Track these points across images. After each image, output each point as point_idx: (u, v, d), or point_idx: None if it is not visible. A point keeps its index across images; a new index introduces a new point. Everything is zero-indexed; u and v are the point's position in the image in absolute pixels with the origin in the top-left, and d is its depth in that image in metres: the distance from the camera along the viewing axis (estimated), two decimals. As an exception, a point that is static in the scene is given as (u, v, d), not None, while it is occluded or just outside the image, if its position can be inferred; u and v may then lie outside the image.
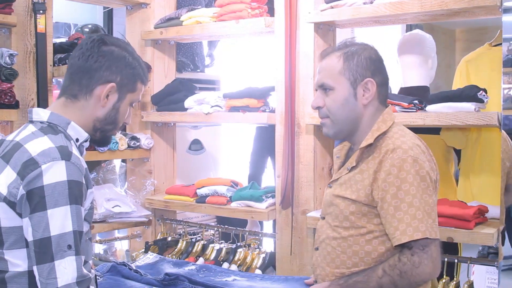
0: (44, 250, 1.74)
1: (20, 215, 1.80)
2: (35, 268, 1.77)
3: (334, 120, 2.28)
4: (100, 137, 2.07)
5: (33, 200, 1.76)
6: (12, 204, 1.80)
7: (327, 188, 2.38)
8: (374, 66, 2.26)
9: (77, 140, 1.98)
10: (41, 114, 1.96)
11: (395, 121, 2.29)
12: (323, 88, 2.28)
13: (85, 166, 1.92)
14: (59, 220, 1.75)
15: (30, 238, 1.77)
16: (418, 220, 2.04)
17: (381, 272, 2.10)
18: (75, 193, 1.79)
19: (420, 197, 2.06)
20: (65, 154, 1.81)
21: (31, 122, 1.96)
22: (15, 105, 3.26)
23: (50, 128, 1.91)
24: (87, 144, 2.05)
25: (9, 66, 3.22)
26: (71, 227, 1.77)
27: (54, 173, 1.77)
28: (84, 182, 1.86)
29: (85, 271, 1.80)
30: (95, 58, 1.97)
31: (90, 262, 2.01)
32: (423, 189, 2.07)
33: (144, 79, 2.09)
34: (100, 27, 4.77)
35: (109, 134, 2.08)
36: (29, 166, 1.78)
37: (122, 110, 2.05)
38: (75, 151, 1.87)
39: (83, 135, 2.00)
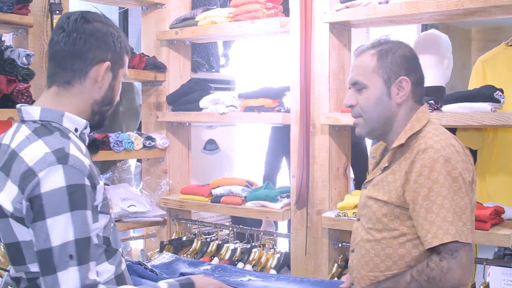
0: (46, 262, 1.67)
1: None
2: (40, 279, 1.70)
3: (367, 119, 2.21)
4: (98, 120, 1.95)
5: (33, 209, 1.68)
6: (20, 220, 1.74)
7: (362, 189, 2.32)
8: (409, 64, 2.20)
9: (76, 130, 1.87)
10: (31, 113, 1.83)
11: (431, 119, 2.22)
12: (356, 86, 2.22)
13: (89, 162, 1.79)
14: (60, 229, 1.67)
15: (34, 248, 1.71)
16: (448, 222, 1.97)
17: (409, 277, 2.04)
18: (76, 198, 1.70)
19: (451, 198, 1.99)
20: (61, 158, 1.71)
21: (23, 121, 1.84)
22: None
23: (43, 128, 1.79)
24: (88, 131, 1.94)
25: (25, 66, 3.24)
26: (73, 236, 1.68)
27: (52, 180, 1.68)
28: (87, 183, 1.75)
29: (90, 279, 1.71)
30: (83, 39, 1.84)
31: (120, 249, 1.95)
32: (455, 190, 2.00)
33: (129, 50, 1.99)
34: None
35: (107, 115, 1.98)
36: (28, 177, 1.69)
37: (116, 88, 1.95)
38: (73, 150, 1.75)
39: (81, 123, 1.88)
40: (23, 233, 1.75)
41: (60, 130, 1.81)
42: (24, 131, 1.80)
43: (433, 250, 2.02)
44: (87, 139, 1.95)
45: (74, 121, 1.87)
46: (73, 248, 1.68)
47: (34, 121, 1.82)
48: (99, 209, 1.83)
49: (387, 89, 2.17)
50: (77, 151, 1.78)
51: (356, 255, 2.26)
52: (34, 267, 1.76)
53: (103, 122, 1.99)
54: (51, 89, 1.89)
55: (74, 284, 1.67)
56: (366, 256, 2.20)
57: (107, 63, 1.88)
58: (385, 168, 2.19)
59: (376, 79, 2.18)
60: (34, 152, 1.72)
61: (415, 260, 2.09)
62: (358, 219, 2.30)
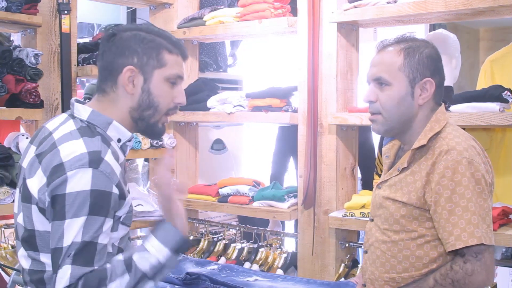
0: (55, 260, 1.71)
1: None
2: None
3: (387, 117, 2.15)
4: (144, 126, 1.94)
5: (55, 207, 1.72)
6: (42, 210, 1.77)
7: (376, 189, 2.27)
8: (434, 66, 2.15)
9: (119, 140, 1.90)
10: (81, 111, 1.88)
11: (449, 121, 2.18)
12: (379, 82, 2.15)
13: (121, 172, 1.83)
14: (74, 231, 1.69)
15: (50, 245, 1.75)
16: (473, 225, 1.95)
17: (433, 282, 2.02)
18: (97, 203, 1.72)
19: (475, 201, 1.97)
20: (94, 161, 1.73)
21: (73, 117, 1.88)
22: (39, 105, 3.29)
23: (87, 130, 1.83)
24: (131, 144, 1.99)
25: (34, 66, 3.26)
26: (81, 238, 1.69)
27: (78, 181, 1.70)
28: (115, 191, 1.77)
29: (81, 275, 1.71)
30: (108, 52, 1.91)
31: None
32: (478, 192, 1.98)
33: (171, 47, 1.94)
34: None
35: (153, 121, 1.94)
36: (57, 172, 1.72)
37: (155, 90, 1.90)
38: (108, 157, 1.78)
39: (126, 134, 1.91)
40: (41, 223, 1.79)
41: (102, 136, 1.84)
42: (70, 126, 1.85)
43: (456, 253, 2.00)
44: (128, 152, 1.99)
45: (120, 132, 1.91)
46: (75, 248, 1.69)
47: (81, 120, 1.87)
48: (121, 220, 1.86)
49: (411, 89, 2.12)
50: (113, 159, 1.81)
51: (371, 256, 2.22)
52: (45, 258, 1.79)
53: (153, 129, 1.97)
54: (95, 96, 1.96)
55: (64, 282, 1.67)
56: (381, 258, 2.17)
57: (128, 67, 1.88)
58: (404, 169, 2.15)
59: (401, 78, 2.12)
60: (72, 148, 1.76)
61: (433, 262, 2.07)
62: (372, 220, 2.26)
